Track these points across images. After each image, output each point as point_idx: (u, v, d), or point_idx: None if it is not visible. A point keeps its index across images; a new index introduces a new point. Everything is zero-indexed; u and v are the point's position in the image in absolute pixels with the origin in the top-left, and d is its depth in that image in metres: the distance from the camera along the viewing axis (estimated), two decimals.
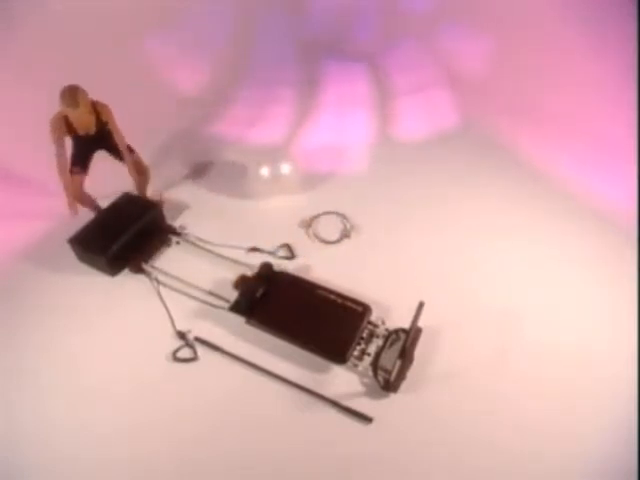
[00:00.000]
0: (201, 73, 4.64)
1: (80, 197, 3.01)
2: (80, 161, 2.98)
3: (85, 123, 2.81)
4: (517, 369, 2.43)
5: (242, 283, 2.72)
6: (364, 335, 2.51)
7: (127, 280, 2.89)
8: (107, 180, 3.24)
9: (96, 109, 2.80)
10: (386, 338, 2.49)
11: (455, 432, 2.21)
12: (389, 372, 2.29)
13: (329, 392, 2.32)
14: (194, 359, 2.48)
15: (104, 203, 3.19)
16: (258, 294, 2.63)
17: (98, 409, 2.31)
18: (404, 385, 2.31)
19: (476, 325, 2.61)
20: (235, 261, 2.96)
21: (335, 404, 2.28)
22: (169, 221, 3.21)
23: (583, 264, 2.95)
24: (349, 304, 2.58)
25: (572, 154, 3.73)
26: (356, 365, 2.42)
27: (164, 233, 3.14)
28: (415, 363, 2.37)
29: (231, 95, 4.50)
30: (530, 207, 3.35)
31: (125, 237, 2.92)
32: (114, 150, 3.06)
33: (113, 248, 2.86)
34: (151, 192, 3.40)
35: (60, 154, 2.80)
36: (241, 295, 2.63)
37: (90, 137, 2.90)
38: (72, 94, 2.60)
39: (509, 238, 3.13)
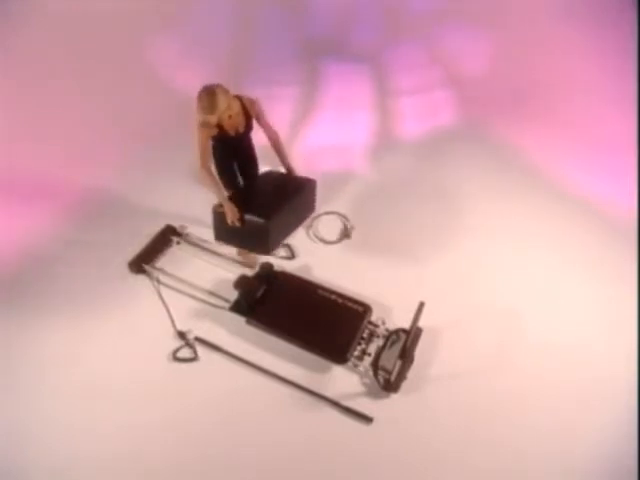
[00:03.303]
0: (201, 73, 4.62)
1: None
2: (228, 171, 2.68)
3: (234, 122, 2.49)
4: (517, 369, 2.43)
5: (242, 283, 2.72)
6: (364, 335, 2.51)
7: (127, 280, 2.89)
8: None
9: (243, 104, 2.48)
10: (386, 338, 2.49)
11: (455, 432, 2.22)
12: (389, 372, 2.29)
13: (329, 392, 2.33)
14: (194, 359, 2.48)
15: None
16: (258, 294, 2.63)
17: (98, 409, 2.30)
18: (404, 385, 2.31)
19: (476, 325, 2.61)
20: (235, 261, 2.96)
21: (335, 404, 2.28)
22: (168, 221, 3.20)
23: (583, 264, 2.95)
24: (349, 304, 2.58)
25: (573, 154, 3.73)
26: (356, 365, 2.42)
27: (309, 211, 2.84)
28: (415, 363, 2.37)
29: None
30: (530, 207, 3.35)
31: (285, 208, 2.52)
32: (251, 152, 2.76)
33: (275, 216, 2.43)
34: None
35: (208, 158, 2.44)
36: (241, 295, 2.62)
37: (236, 138, 2.56)
38: (210, 97, 2.24)
39: (509, 238, 3.14)
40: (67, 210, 3.34)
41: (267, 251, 2.47)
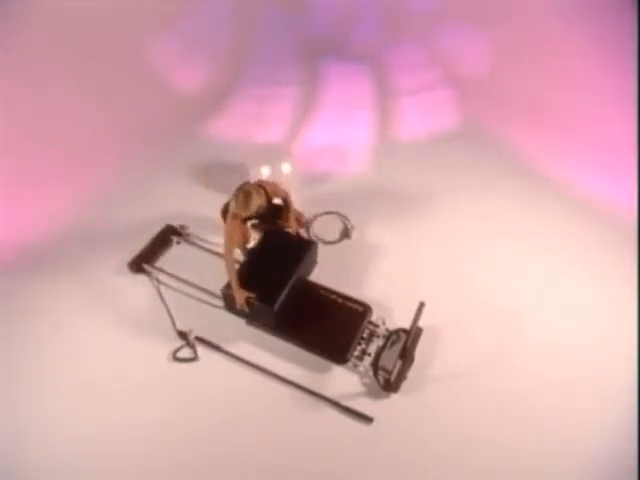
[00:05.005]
0: (201, 73, 4.63)
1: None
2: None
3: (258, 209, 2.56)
4: (517, 369, 2.43)
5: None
6: (364, 335, 2.51)
7: (127, 280, 2.89)
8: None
9: (266, 192, 2.55)
10: (387, 338, 2.48)
11: (455, 432, 2.22)
12: (389, 372, 2.29)
13: (329, 392, 2.33)
14: (194, 359, 2.48)
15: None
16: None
17: (98, 409, 2.30)
18: (404, 385, 2.31)
19: (476, 325, 2.61)
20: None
21: (335, 404, 2.28)
22: (168, 221, 3.20)
23: (583, 264, 2.95)
24: (350, 304, 2.58)
25: (572, 154, 3.73)
26: (356, 365, 2.42)
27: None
28: (415, 363, 2.37)
29: (232, 95, 4.50)
30: (530, 207, 3.35)
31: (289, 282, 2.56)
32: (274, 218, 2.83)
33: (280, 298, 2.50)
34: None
35: (235, 246, 2.58)
36: None
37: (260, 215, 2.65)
38: (246, 197, 2.38)
39: (509, 238, 3.13)
40: (67, 210, 3.34)
41: (274, 325, 2.57)
